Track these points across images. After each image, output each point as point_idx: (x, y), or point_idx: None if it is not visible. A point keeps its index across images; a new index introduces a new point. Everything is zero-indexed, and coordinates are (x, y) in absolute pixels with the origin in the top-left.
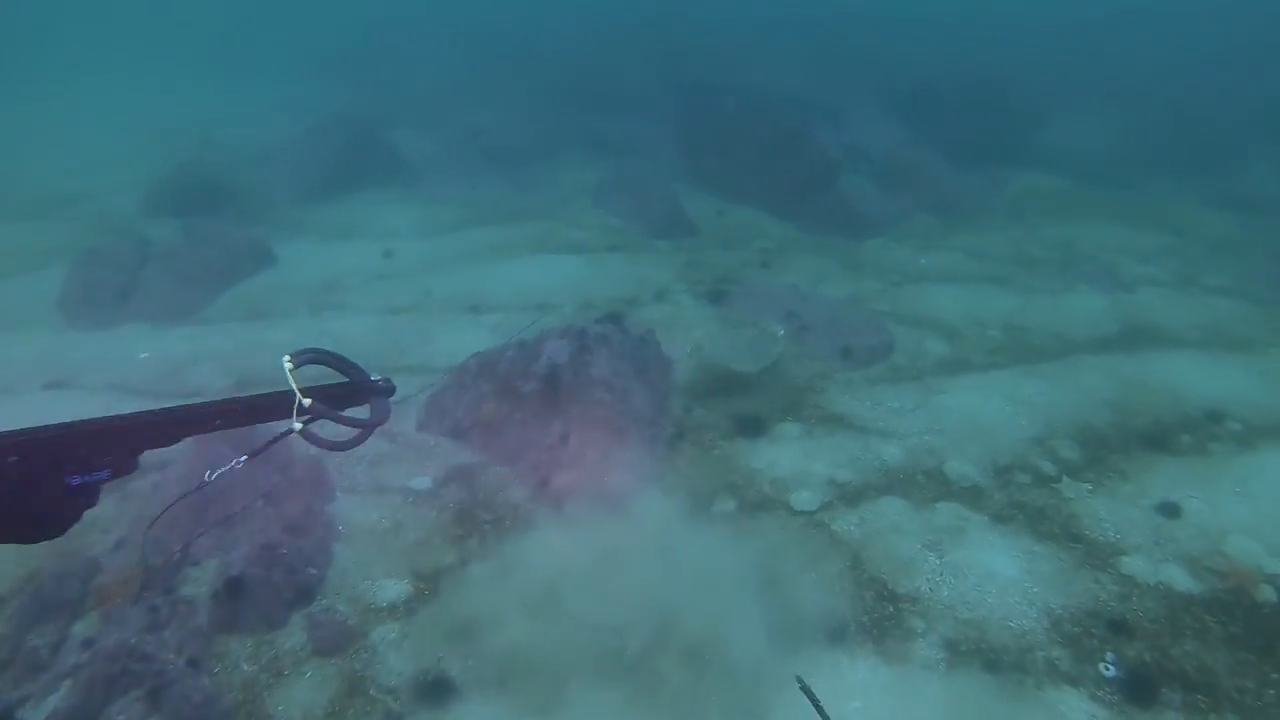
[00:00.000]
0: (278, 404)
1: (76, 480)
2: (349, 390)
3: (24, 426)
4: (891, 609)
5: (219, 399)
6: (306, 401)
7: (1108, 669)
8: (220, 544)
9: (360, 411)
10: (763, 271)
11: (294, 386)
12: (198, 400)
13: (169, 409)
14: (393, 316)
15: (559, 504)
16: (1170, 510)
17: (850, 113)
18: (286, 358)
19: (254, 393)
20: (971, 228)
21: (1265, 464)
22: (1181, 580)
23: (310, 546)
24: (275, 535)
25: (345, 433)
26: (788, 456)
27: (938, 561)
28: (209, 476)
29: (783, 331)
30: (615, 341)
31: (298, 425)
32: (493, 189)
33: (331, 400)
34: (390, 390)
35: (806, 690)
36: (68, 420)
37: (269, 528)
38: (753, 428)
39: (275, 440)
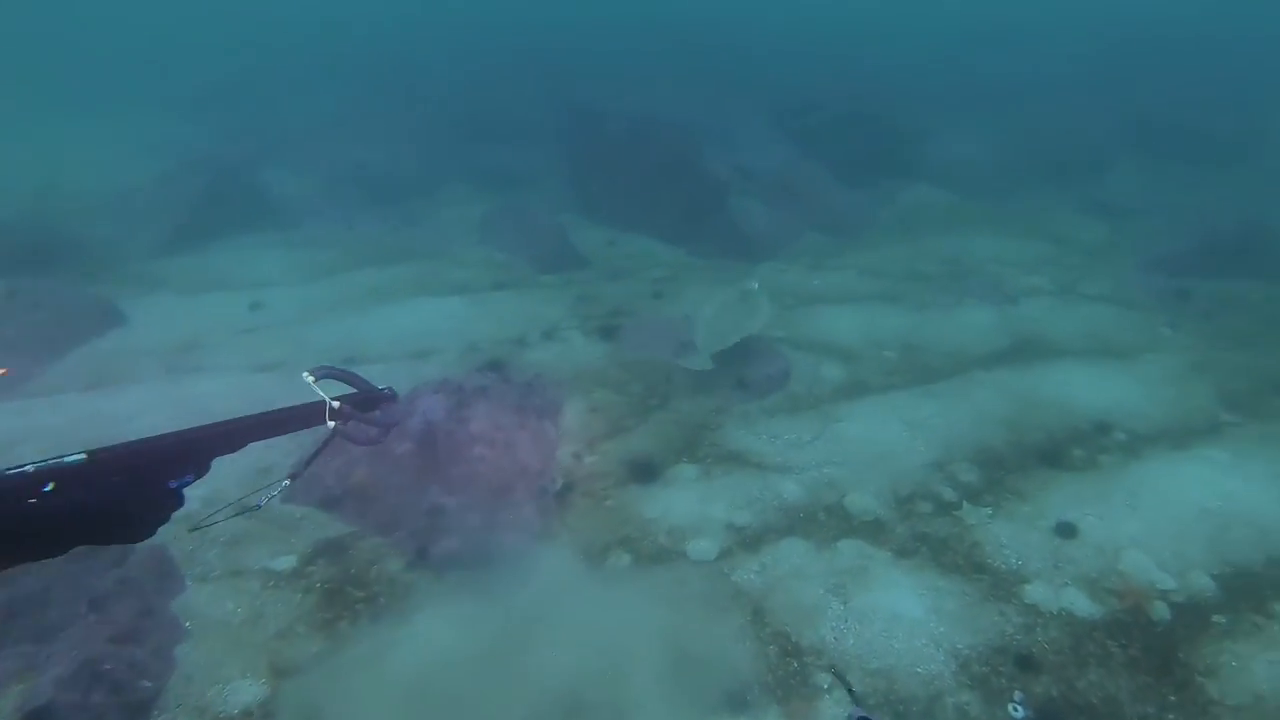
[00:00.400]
0: (313, 412)
1: (174, 484)
2: (363, 399)
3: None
4: (796, 665)
5: (264, 412)
6: (336, 404)
7: (1016, 710)
8: (32, 664)
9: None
10: (656, 302)
11: (323, 395)
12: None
13: (231, 420)
14: (259, 374)
15: (439, 574)
16: (1067, 530)
17: (739, 134)
18: (306, 373)
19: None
20: (863, 244)
21: (1150, 474)
22: (1082, 605)
23: (145, 655)
24: (98, 648)
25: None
26: (684, 502)
27: (842, 607)
28: (262, 502)
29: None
30: (496, 392)
31: (332, 424)
32: (373, 228)
33: (354, 406)
34: (394, 397)
35: (840, 677)
36: (155, 435)
37: (91, 640)
38: (646, 472)
39: (323, 447)
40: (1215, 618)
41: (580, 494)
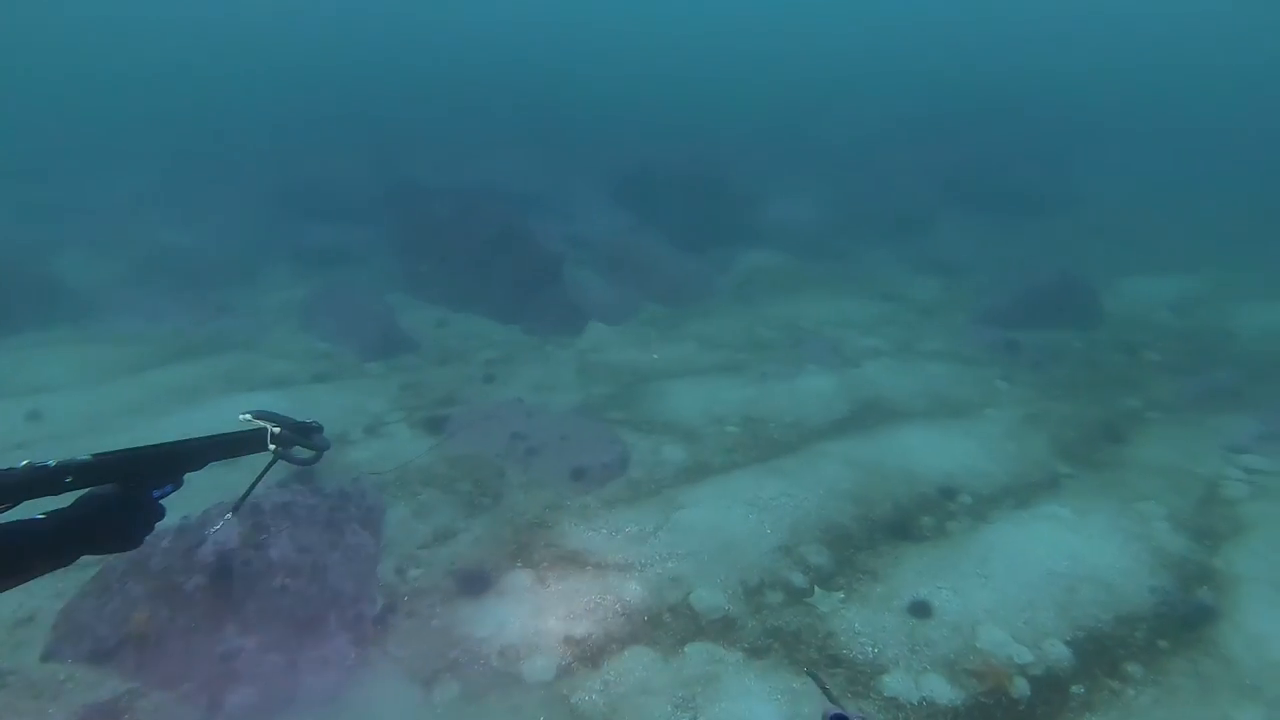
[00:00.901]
0: (256, 438)
1: (157, 493)
2: (295, 426)
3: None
4: None
5: (219, 434)
6: (276, 430)
7: None
8: None
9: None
10: (487, 386)
11: (264, 424)
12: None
13: (197, 438)
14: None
15: None
16: (922, 610)
17: (575, 202)
18: (246, 414)
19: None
20: (701, 313)
21: (998, 538)
22: (943, 691)
23: None
24: None
25: None
26: (518, 615)
27: None
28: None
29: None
30: (302, 508)
31: (273, 448)
32: (183, 319)
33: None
34: (321, 428)
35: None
36: (137, 446)
37: None
38: (477, 583)
39: (264, 473)
40: (1073, 688)
41: (403, 614)
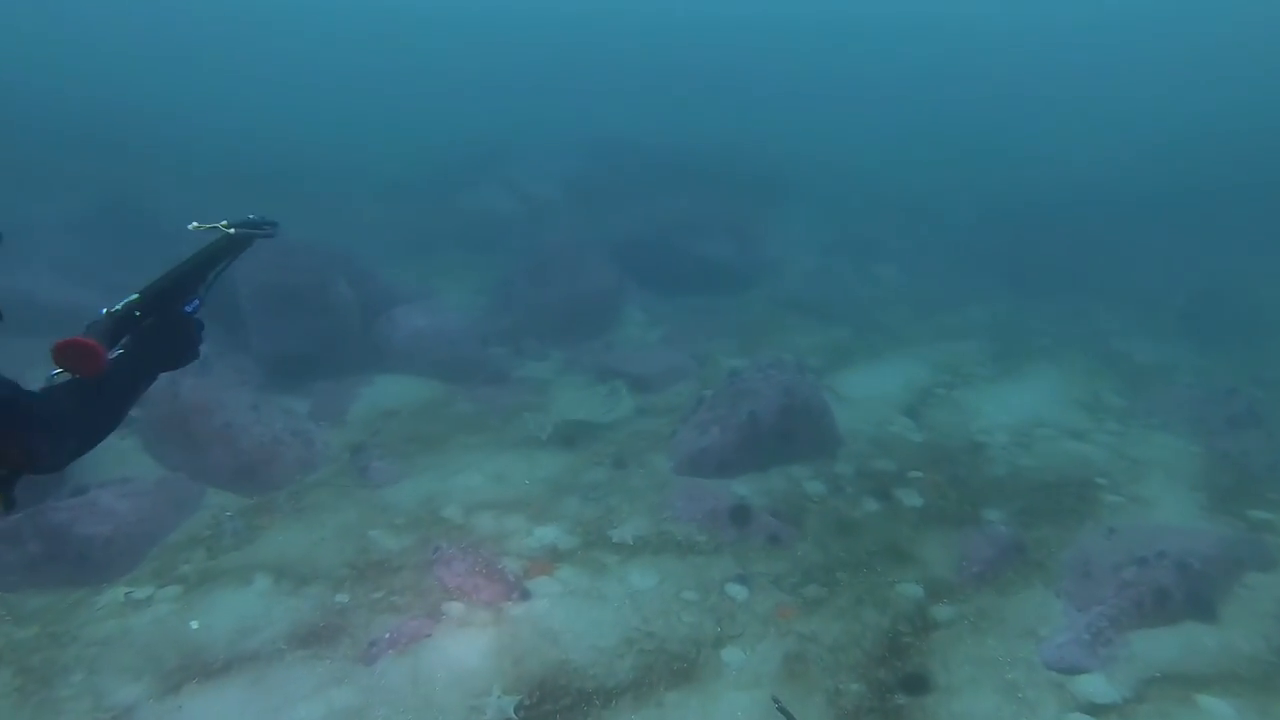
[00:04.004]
0: (236, 240)
1: (189, 308)
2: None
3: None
4: None
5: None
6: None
7: None
8: None
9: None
10: None
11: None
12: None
13: (200, 250)
14: None
15: None
16: None
17: None
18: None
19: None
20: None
21: None
22: None
23: None
24: None
25: None
26: None
27: None
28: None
29: None
30: None
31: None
32: None
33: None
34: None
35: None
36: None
37: None
38: None
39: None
40: None
41: None
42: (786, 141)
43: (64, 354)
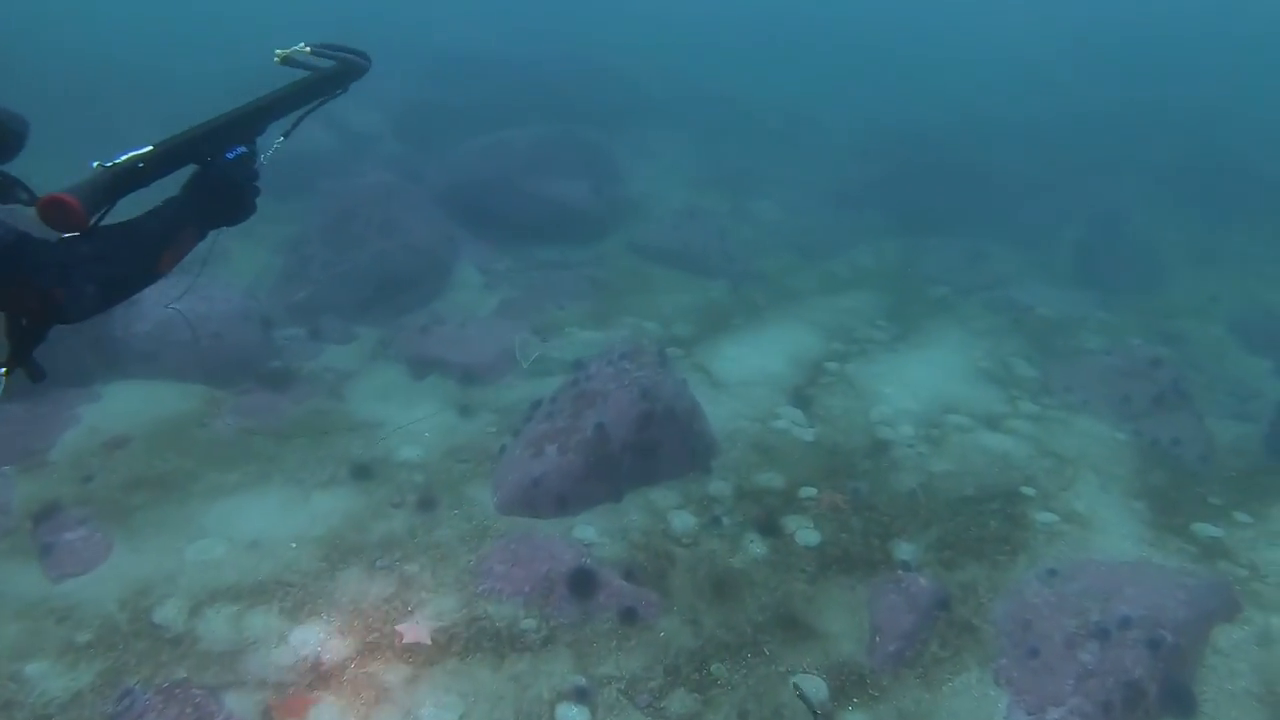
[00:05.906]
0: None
1: (230, 154)
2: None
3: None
4: None
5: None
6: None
7: None
8: None
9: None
10: None
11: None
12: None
13: (255, 101)
14: None
15: None
16: None
17: None
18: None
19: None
20: None
21: None
22: None
23: None
24: None
25: None
26: None
27: None
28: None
29: None
30: None
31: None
32: None
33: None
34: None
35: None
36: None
37: None
38: None
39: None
40: None
41: None
42: (657, 59)
43: (45, 210)
